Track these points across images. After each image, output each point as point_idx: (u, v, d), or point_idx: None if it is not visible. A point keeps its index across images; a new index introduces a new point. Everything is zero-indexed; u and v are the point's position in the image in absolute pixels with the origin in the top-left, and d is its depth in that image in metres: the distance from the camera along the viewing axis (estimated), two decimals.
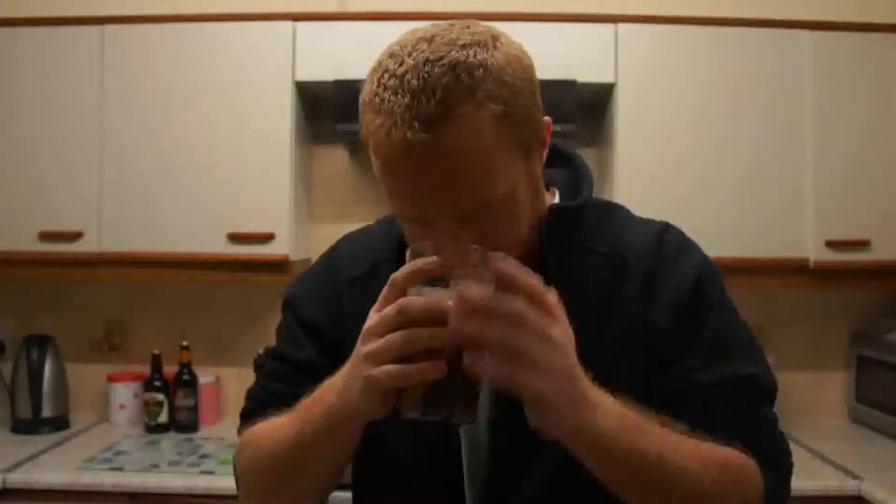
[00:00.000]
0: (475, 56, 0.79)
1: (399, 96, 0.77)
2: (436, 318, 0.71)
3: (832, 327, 2.76)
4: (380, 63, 0.82)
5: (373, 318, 0.76)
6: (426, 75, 0.77)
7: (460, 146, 0.77)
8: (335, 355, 0.96)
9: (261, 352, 1.11)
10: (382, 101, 0.79)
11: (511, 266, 0.71)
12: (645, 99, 2.40)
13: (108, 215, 2.42)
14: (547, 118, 0.88)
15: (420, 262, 0.74)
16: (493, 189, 0.80)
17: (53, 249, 2.42)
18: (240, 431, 1.05)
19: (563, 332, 0.73)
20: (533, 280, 0.72)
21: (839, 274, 2.41)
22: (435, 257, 0.74)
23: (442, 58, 0.78)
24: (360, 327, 0.78)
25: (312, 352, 1.00)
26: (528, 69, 0.84)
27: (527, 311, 0.70)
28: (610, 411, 0.76)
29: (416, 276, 0.73)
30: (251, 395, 1.05)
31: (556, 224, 0.92)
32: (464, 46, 0.79)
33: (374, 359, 0.73)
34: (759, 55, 2.40)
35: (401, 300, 0.73)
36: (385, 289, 0.76)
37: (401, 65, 0.79)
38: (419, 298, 0.73)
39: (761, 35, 2.40)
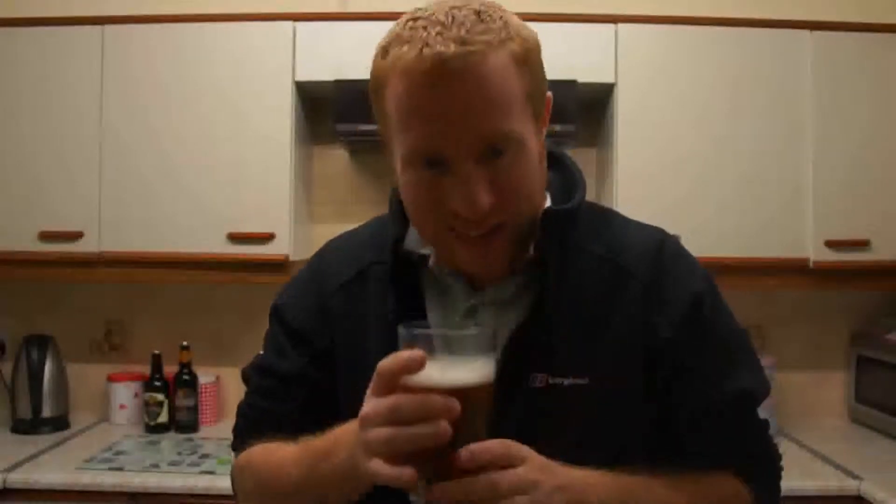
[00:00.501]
0: (495, 11, 0.83)
1: (429, 29, 0.80)
2: (427, 414, 0.72)
3: (832, 327, 2.76)
4: (396, 23, 0.84)
5: (368, 404, 0.76)
6: (453, 16, 0.81)
7: (487, 68, 0.80)
8: (325, 363, 0.97)
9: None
10: (411, 34, 0.81)
11: (465, 454, 0.73)
12: (645, 99, 2.40)
13: (108, 215, 2.42)
14: (548, 92, 0.91)
15: (405, 355, 0.74)
16: (511, 122, 0.82)
17: (53, 249, 2.42)
18: (234, 447, 1.05)
19: (531, 465, 0.77)
20: (491, 450, 0.75)
21: (839, 274, 2.41)
22: (420, 351, 0.73)
23: (465, 5, 0.82)
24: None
25: (299, 361, 1.00)
26: (536, 38, 0.88)
27: (496, 480, 0.74)
28: (601, 491, 0.83)
29: (403, 371, 0.74)
30: (241, 412, 1.06)
31: (553, 226, 0.92)
32: (482, 4, 0.84)
33: (370, 450, 0.74)
34: (759, 55, 2.40)
35: (394, 399, 0.73)
36: (374, 377, 0.76)
37: (425, 12, 0.82)
38: (411, 398, 0.73)
39: (761, 35, 2.40)
